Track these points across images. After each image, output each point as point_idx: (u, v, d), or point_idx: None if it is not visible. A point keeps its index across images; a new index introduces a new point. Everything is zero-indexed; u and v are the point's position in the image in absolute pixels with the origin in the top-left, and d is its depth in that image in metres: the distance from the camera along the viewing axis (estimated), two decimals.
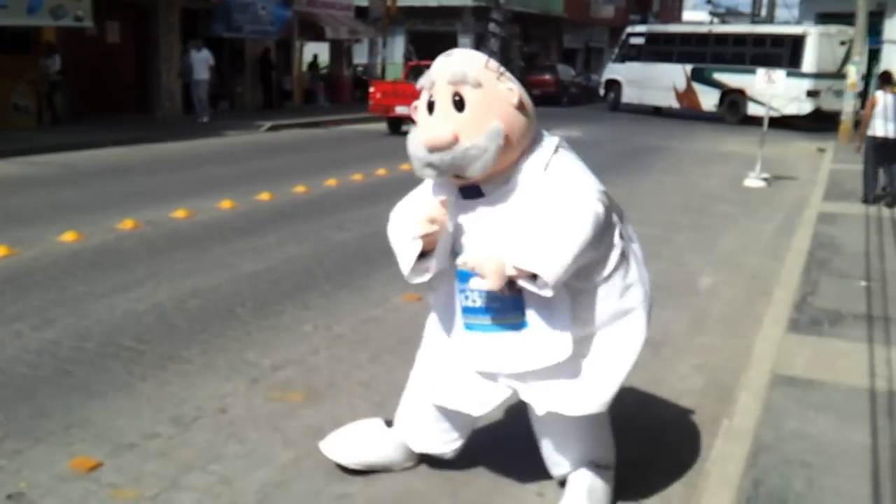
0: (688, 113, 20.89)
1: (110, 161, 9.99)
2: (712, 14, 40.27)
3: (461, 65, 2.21)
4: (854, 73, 15.56)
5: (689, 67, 20.65)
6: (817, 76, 18.22)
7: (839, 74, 17.79)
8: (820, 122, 18.19)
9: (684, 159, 12.52)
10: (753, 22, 27.42)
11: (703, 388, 3.55)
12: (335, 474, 2.65)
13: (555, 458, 2.48)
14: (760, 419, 3.00)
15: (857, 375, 3.47)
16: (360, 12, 22.07)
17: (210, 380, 3.41)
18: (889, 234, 6.70)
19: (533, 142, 2.29)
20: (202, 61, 14.56)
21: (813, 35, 18.62)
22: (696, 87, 20.55)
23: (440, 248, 2.29)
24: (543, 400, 2.31)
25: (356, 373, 3.55)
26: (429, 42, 26.38)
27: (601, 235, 2.21)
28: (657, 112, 22.12)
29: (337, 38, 20.37)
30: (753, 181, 9.86)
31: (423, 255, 2.29)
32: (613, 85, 23.50)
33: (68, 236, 5.75)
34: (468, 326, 2.35)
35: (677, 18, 42.69)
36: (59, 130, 12.08)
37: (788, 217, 7.81)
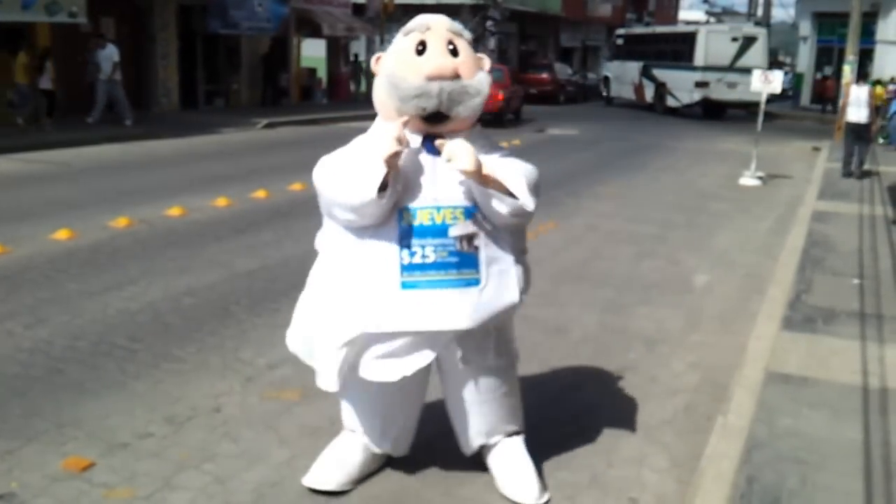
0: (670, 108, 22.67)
1: (105, 158, 9.96)
2: (708, 14, 40.38)
3: (456, 22, 2.40)
4: (849, 72, 15.83)
5: (640, 64, 23.55)
6: (706, 69, 20.81)
7: (731, 68, 20.38)
8: (712, 109, 20.94)
9: (679, 157, 12.54)
10: (753, 23, 28.15)
11: (698, 385, 3.56)
12: None
13: (478, 429, 2.55)
14: (754, 416, 3.01)
15: (850, 373, 3.48)
16: (358, 9, 22.02)
17: (204, 379, 3.40)
18: (882, 233, 6.73)
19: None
20: (107, 59, 12.72)
21: (702, 33, 21.49)
22: (644, 81, 23.44)
23: (392, 189, 2.24)
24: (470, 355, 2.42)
25: None
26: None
27: (538, 196, 2.37)
28: (651, 108, 23.00)
29: (334, 34, 20.32)
30: (748, 180, 9.88)
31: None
32: (607, 81, 26.47)
33: (62, 234, 5.72)
34: (408, 285, 2.27)
35: (673, 18, 42.78)
36: (54, 127, 12.01)
37: (783, 215, 7.83)
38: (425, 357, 2.37)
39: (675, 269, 5.68)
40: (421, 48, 2.29)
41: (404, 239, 2.28)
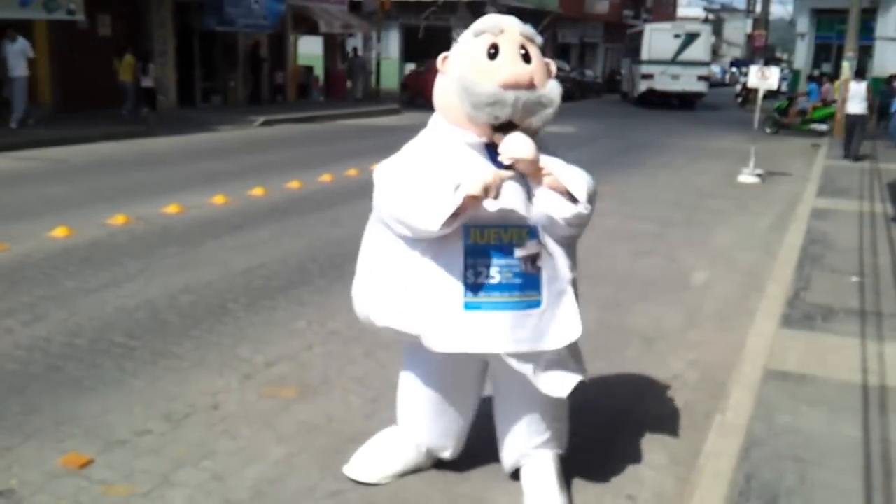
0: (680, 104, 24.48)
1: (102, 156, 9.93)
2: (706, 10, 40.40)
3: (528, 26, 2.30)
4: (848, 69, 15.83)
5: (629, 61, 26.76)
6: (650, 62, 23.89)
7: (674, 61, 23.71)
8: (656, 98, 23.90)
9: (677, 155, 12.53)
10: (751, 19, 29.59)
11: (697, 383, 3.56)
12: (329, 471, 2.64)
13: (521, 445, 2.51)
14: (753, 414, 3.00)
15: (848, 370, 3.48)
16: (354, 6, 21.98)
17: (202, 376, 3.40)
18: (882, 230, 6.73)
19: None
20: (17, 54, 11.42)
21: (647, 30, 24.77)
22: (628, 76, 26.93)
23: (459, 222, 2.16)
24: (548, 383, 2.34)
25: (350, 368, 3.54)
26: (423, 37, 26.36)
27: (593, 205, 2.33)
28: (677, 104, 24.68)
29: (331, 32, 20.29)
30: (747, 177, 9.88)
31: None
32: (620, 77, 30.12)
33: (59, 232, 5.71)
34: (471, 306, 2.20)
35: (671, 15, 42.77)
36: (50, 125, 11.99)
37: (782, 213, 7.83)
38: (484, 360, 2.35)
39: (673, 266, 5.67)
40: (493, 52, 2.17)
41: (469, 258, 2.20)
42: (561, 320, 2.28)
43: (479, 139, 2.23)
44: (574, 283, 2.36)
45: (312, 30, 19.85)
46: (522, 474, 2.54)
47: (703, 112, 23.02)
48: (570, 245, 2.35)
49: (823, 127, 15.91)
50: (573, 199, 2.21)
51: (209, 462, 2.68)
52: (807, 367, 3.50)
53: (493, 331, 2.22)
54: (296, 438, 2.86)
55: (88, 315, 4.09)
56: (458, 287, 2.20)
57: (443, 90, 2.26)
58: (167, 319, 4.09)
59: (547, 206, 2.22)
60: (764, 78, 10.21)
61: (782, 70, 20.27)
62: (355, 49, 21.86)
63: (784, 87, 25.17)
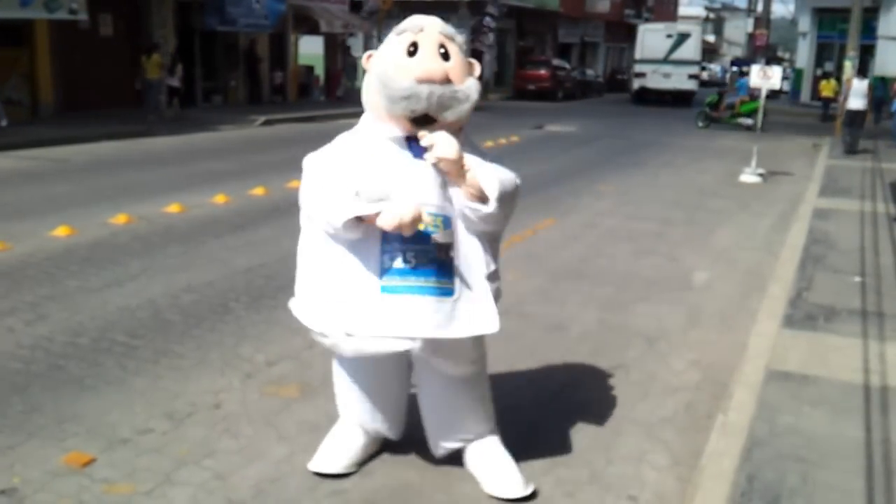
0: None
1: (103, 155, 9.94)
2: (707, 9, 40.36)
3: (448, 25, 2.39)
4: (850, 68, 15.84)
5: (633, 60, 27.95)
6: (642, 62, 25.14)
7: (666, 60, 24.82)
8: (651, 96, 24.99)
9: (678, 154, 12.53)
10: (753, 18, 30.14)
11: (698, 383, 3.55)
12: None
13: (448, 433, 2.58)
14: (755, 414, 3.00)
15: (851, 370, 3.48)
16: (355, 6, 21.97)
17: (204, 375, 3.40)
18: (884, 230, 6.73)
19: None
20: None
21: (641, 30, 26.18)
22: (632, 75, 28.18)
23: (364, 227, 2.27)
24: (453, 365, 2.45)
25: None
26: None
27: (513, 206, 2.39)
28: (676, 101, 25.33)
29: (331, 31, 20.28)
30: (749, 176, 9.88)
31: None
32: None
33: (61, 231, 5.71)
34: (387, 289, 2.29)
35: (672, 14, 42.75)
36: (52, 124, 12.00)
37: (784, 212, 7.83)
38: (401, 345, 2.40)
39: (674, 266, 5.67)
40: (412, 49, 2.28)
41: (386, 243, 2.29)
42: (473, 311, 2.35)
43: (400, 134, 2.32)
44: (493, 277, 2.40)
45: (313, 29, 19.84)
46: (469, 464, 2.61)
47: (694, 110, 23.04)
48: (490, 240, 2.41)
49: (749, 121, 15.80)
50: (486, 197, 2.28)
51: (211, 461, 2.69)
52: (809, 368, 3.50)
53: (408, 314, 2.29)
54: (297, 437, 2.87)
55: (90, 314, 4.09)
56: (376, 271, 2.30)
57: (367, 87, 2.36)
58: (169, 318, 4.09)
59: (459, 202, 2.30)
60: (766, 77, 10.20)
61: (784, 69, 20.22)
62: (348, 48, 21.86)
63: (786, 87, 25.25)
